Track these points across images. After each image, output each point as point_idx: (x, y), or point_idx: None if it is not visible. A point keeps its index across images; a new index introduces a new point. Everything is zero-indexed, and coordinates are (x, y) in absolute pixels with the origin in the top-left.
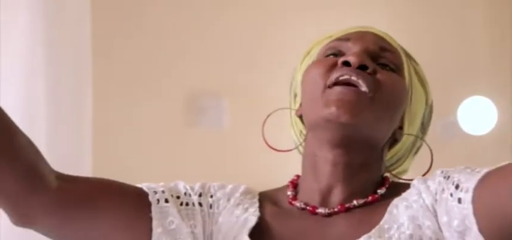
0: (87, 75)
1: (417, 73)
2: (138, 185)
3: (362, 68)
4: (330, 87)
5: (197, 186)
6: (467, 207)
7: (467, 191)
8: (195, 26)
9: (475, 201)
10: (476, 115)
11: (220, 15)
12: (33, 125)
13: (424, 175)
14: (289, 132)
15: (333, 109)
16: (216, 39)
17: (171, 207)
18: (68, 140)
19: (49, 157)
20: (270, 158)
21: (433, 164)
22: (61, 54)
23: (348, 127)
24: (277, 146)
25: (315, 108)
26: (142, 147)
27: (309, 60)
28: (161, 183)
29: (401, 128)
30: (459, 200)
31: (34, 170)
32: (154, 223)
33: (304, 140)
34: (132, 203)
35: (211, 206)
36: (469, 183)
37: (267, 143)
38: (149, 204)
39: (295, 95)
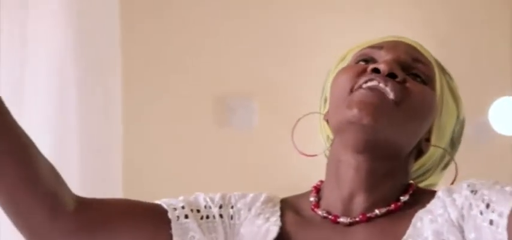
0: (117, 74)
1: (450, 88)
2: (157, 202)
3: (391, 76)
4: (355, 90)
5: (217, 198)
6: (502, 232)
7: (501, 216)
8: (226, 25)
9: (509, 227)
10: (507, 115)
11: (252, 15)
12: (65, 116)
13: (452, 183)
14: (318, 137)
15: (355, 111)
16: (246, 39)
17: (191, 223)
18: (98, 135)
19: (80, 150)
20: (299, 159)
21: (465, 164)
22: (91, 52)
23: (370, 129)
24: (307, 150)
25: (339, 110)
26: (172, 147)
27: (342, 66)
28: (181, 198)
29: (428, 140)
30: (491, 222)
31: (54, 198)
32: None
33: (331, 145)
34: (152, 221)
35: (232, 217)
36: (503, 207)
37: (296, 148)
38: (169, 221)
39: (326, 100)
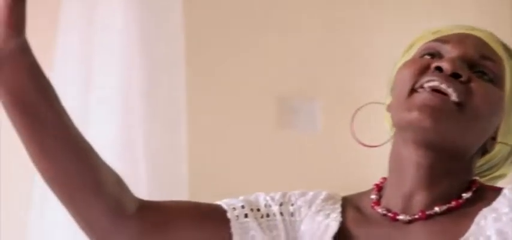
0: (181, 76)
1: None
2: (217, 202)
3: (455, 75)
4: (417, 90)
5: (278, 196)
6: None
7: None
8: (288, 25)
9: None
10: None
11: (315, 14)
12: (130, 117)
13: None
14: (380, 130)
15: (415, 114)
16: (309, 39)
17: (251, 222)
18: (163, 137)
19: (145, 151)
20: (363, 161)
21: None
22: (156, 52)
23: (430, 132)
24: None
25: (400, 109)
26: (235, 149)
27: (408, 56)
28: (241, 198)
29: (494, 138)
30: None
31: (118, 203)
32: (235, 239)
33: (392, 137)
34: (212, 222)
35: (292, 214)
36: None
37: (356, 138)
38: (228, 221)
39: (392, 89)
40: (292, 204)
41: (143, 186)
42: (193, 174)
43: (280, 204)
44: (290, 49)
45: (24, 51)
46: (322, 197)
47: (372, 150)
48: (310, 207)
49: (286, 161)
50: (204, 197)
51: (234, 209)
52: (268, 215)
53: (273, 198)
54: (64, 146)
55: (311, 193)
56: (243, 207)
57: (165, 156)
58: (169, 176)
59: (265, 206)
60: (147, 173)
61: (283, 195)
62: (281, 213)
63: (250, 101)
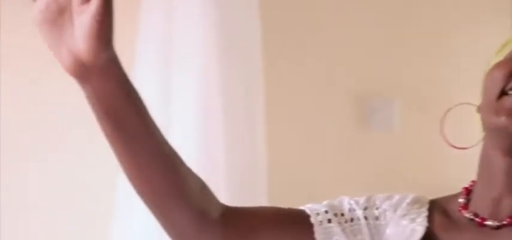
0: (259, 78)
1: None
2: (301, 207)
3: None
4: (507, 93)
5: (362, 200)
6: None
7: None
8: (364, 23)
9: None
10: None
11: (392, 11)
12: (209, 117)
13: None
14: (468, 132)
15: (503, 119)
16: (386, 37)
17: (335, 227)
18: (242, 138)
19: (225, 153)
20: (444, 161)
21: None
22: (233, 53)
23: None
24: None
25: (488, 112)
26: (313, 150)
27: (500, 57)
28: (325, 202)
29: None
30: None
31: (203, 210)
32: None
33: (482, 139)
34: (295, 227)
35: (377, 218)
36: None
37: (445, 140)
38: (312, 226)
39: (482, 90)
40: (377, 208)
41: (223, 187)
42: (272, 175)
43: (365, 208)
44: (368, 47)
45: (113, 63)
46: (408, 200)
47: (452, 151)
48: (395, 210)
49: (365, 161)
50: (283, 197)
51: (318, 214)
52: (352, 220)
53: (357, 203)
54: (153, 156)
55: (397, 196)
56: (326, 212)
57: (244, 157)
58: (249, 175)
59: (349, 210)
60: (226, 175)
61: (368, 199)
62: (365, 217)
63: (328, 102)
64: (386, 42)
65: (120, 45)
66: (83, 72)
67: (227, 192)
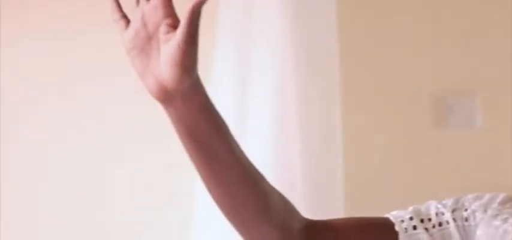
0: (335, 78)
1: None
2: (386, 215)
3: None
4: None
5: (450, 202)
6: None
7: None
8: (441, 19)
9: None
10: None
11: (467, 8)
12: (285, 122)
13: None
14: None
15: None
16: (464, 33)
17: (421, 233)
18: (318, 141)
19: (302, 159)
20: None
21: None
22: (310, 54)
23: None
24: None
25: None
26: (390, 150)
27: None
28: (410, 208)
29: None
30: None
31: (286, 226)
32: None
33: None
34: (380, 236)
35: (466, 219)
36: None
37: None
38: (397, 234)
39: None
40: (466, 210)
41: (299, 188)
42: (349, 176)
43: (453, 211)
44: (445, 44)
45: (197, 90)
46: (499, 200)
47: None
48: (485, 211)
49: (445, 161)
50: (359, 198)
51: (402, 221)
52: (440, 224)
53: (445, 205)
54: (237, 178)
55: (487, 196)
56: (411, 218)
57: (320, 158)
58: (326, 177)
59: (437, 214)
60: (302, 176)
61: (456, 200)
62: (454, 219)
63: (406, 102)
64: (464, 38)
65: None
66: (167, 97)
67: (303, 195)
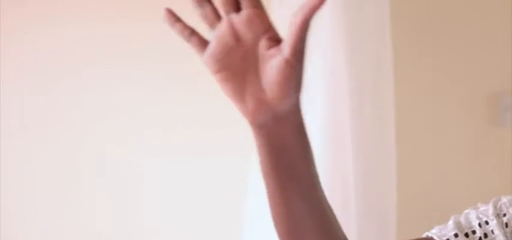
0: (389, 79)
1: None
2: (428, 234)
3: None
4: None
5: (491, 209)
6: None
7: None
8: (496, 18)
9: None
10: None
11: None
12: (338, 132)
13: None
14: None
15: None
16: None
17: None
18: (371, 146)
19: (355, 165)
20: None
21: None
22: (362, 61)
23: None
24: None
25: None
26: (445, 149)
27: None
28: (451, 223)
29: None
30: None
31: None
32: None
33: None
34: None
35: (507, 225)
36: None
37: None
38: None
39: None
40: (504, 214)
41: (352, 188)
42: (403, 176)
43: (497, 216)
44: (501, 43)
45: (295, 112)
46: None
47: None
48: None
49: (500, 160)
50: (412, 199)
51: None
52: (486, 236)
53: (486, 214)
54: (309, 208)
55: None
56: (456, 235)
57: (374, 159)
58: (379, 180)
59: (480, 225)
60: (356, 175)
61: (495, 205)
62: (499, 228)
63: (460, 100)
64: None
65: None
66: (266, 118)
67: (355, 193)
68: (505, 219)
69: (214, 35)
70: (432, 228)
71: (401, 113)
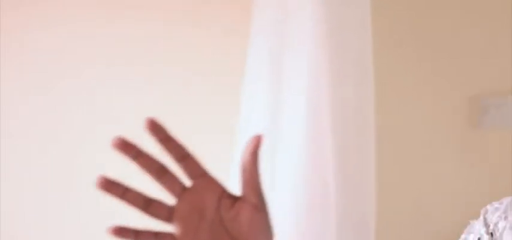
0: (369, 79)
1: None
2: None
3: None
4: None
5: (482, 227)
6: None
7: None
8: (473, 21)
9: None
10: None
11: (505, 8)
12: (318, 124)
13: None
14: None
15: None
16: (499, 33)
17: None
18: (352, 147)
19: (334, 161)
20: None
21: None
22: (344, 58)
23: None
24: None
25: None
26: (425, 151)
27: None
28: None
29: None
30: None
31: None
32: None
33: None
34: None
35: (492, 235)
36: None
37: None
38: None
39: None
40: (489, 225)
41: (332, 188)
42: (382, 178)
43: (486, 228)
44: (482, 45)
45: None
46: None
47: None
48: (506, 217)
49: (480, 163)
50: (392, 202)
51: None
52: None
53: (478, 231)
54: None
55: (505, 202)
56: None
57: (353, 160)
58: (359, 180)
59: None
60: (335, 178)
61: (484, 222)
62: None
63: (440, 103)
64: (499, 38)
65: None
66: None
67: (336, 201)
68: (490, 229)
69: (175, 220)
70: (412, 230)
71: (382, 114)
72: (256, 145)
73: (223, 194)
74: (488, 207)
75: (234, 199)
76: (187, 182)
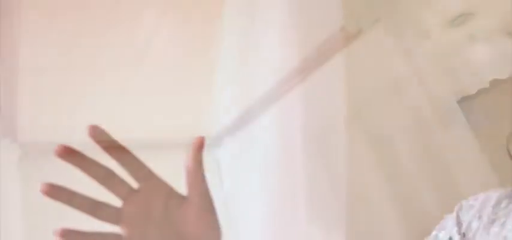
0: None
1: None
2: None
3: None
4: None
5: (455, 225)
6: None
7: None
8: None
9: None
10: None
11: None
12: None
13: None
14: None
15: None
16: None
17: None
18: (322, 143)
19: (304, 137)
20: None
21: None
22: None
23: None
24: None
25: None
26: (393, 151)
27: None
28: None
29: None
30: None
31: None
32: None
33: None
34: None
35: (464, 235)
36: None
37: None
38: None
39: None
40: (462, 224)
41: (301, 169)
42: (352, 180)
43: (459, 227)
44: None
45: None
46: (492, 202)
47: None
48: (480, 218)
49: (450, 163)
50: (361, 201)
51: None
52: None
53: (450, 230)
54: None
55: (479, 200)
56: None
57: (322, 138)
58: (329, 182)
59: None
60: (304, 157)
61: (457, 220)
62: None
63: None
64: None
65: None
66: None
67: (306, 178)
68: (463, 229)
69: (123, 221)
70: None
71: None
72: (199, 147)
73: (171, 194)
74: (463, 202)
75: (182, 199)
76: (134, 184)
